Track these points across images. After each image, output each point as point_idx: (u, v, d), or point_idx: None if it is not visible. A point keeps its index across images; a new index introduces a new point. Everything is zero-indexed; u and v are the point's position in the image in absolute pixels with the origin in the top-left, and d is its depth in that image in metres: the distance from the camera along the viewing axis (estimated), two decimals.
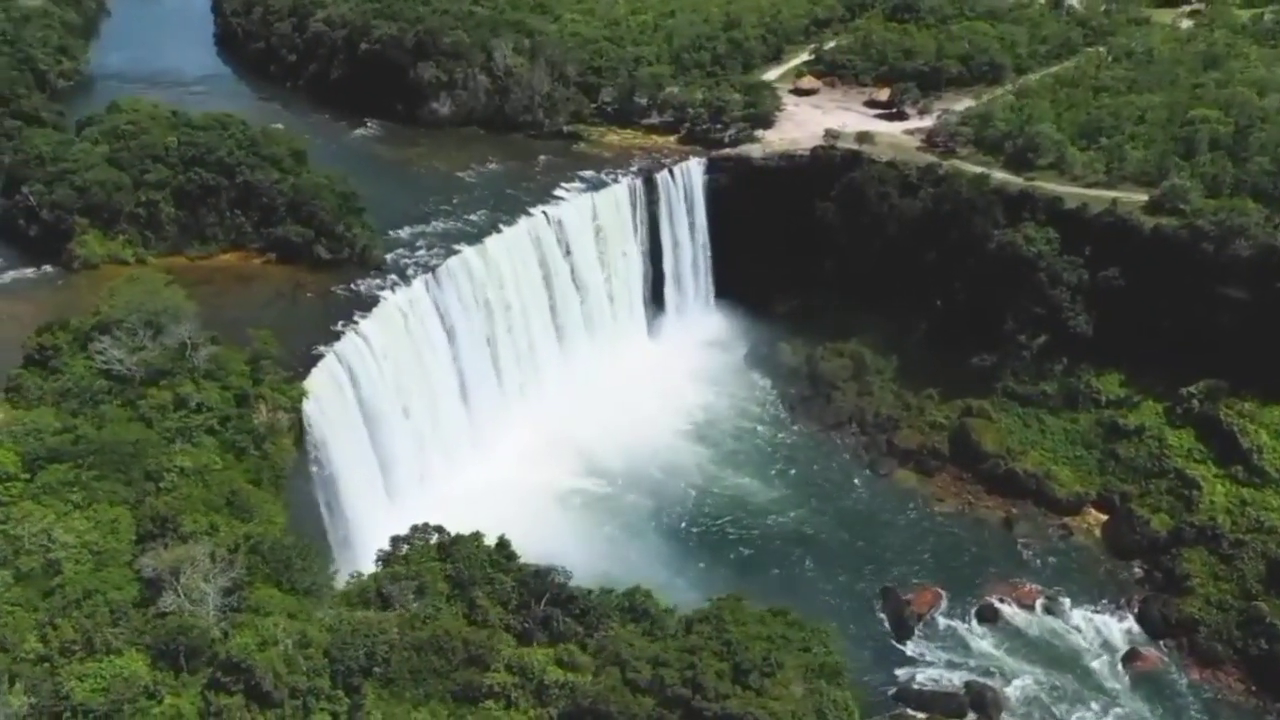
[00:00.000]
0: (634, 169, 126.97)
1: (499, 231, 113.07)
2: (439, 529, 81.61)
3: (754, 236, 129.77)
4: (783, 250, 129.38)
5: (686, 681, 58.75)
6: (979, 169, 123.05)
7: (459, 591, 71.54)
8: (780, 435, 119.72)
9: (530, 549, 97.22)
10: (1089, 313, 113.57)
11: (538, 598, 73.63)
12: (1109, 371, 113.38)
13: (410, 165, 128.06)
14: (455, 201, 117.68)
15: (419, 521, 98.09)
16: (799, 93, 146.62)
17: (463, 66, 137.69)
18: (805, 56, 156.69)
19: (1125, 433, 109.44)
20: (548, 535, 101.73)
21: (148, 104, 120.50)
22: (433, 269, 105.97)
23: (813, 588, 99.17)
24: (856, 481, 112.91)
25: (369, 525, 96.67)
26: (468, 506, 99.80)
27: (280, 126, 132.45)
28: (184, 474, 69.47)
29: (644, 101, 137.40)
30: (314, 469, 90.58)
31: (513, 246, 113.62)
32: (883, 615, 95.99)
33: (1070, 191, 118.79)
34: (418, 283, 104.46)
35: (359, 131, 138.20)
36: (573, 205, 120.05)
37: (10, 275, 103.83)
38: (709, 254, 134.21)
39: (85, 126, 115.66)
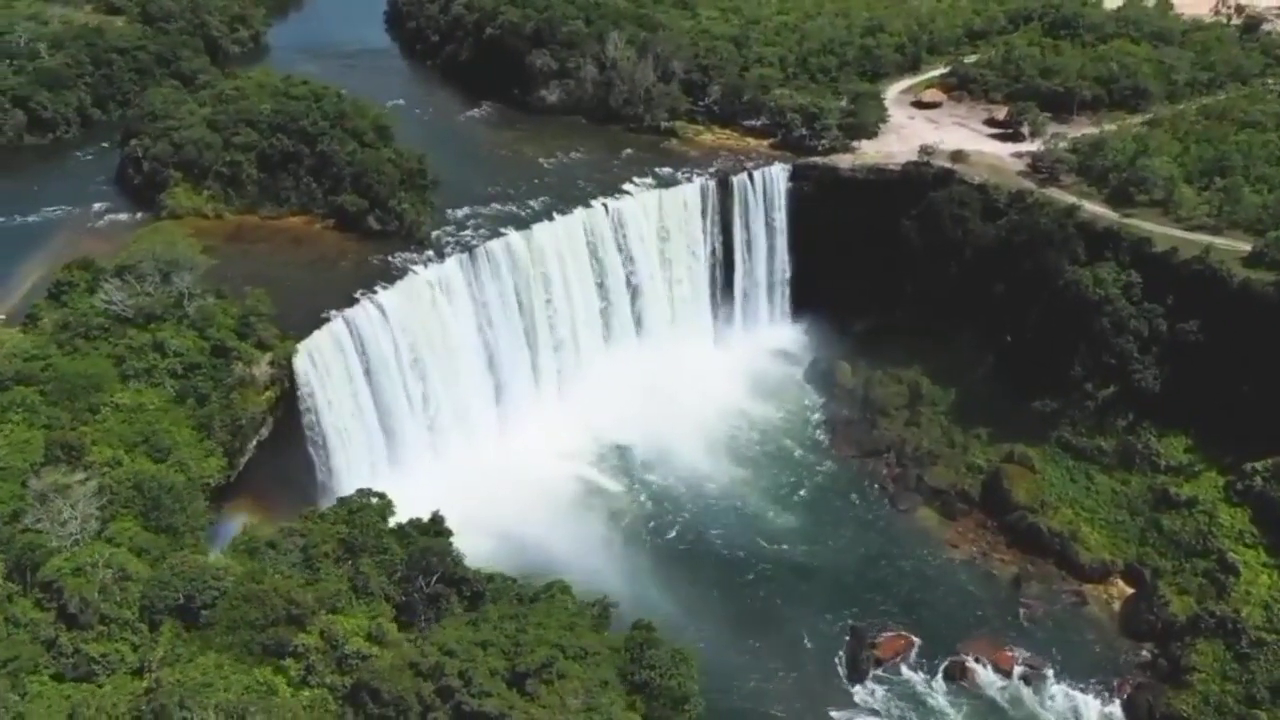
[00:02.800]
0: (711, 170, 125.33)
1: (551, 219, 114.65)
2: (381, 495, 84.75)
3: (837, 249, 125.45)
4: (865, 266, 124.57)
5: (462, 673, 58.92)
6: (1074, 200, 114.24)
7: (349, 555, 74.17)
8: (815, 460, 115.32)
9: (520, 536, 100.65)
10: (1160, 367, 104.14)
11: (426, 574, 75.38)
12: (1174, 434, 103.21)
13: (499, 149, 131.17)
14: (523, 187, 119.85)
15: (423, 493, 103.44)
16: (919, 105, 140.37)
17: (575, 56, 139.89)
18: (943, 69, 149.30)
19: (1175, 503, 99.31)
20: (544, 526, 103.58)
21: (263, 74, 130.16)
22: (470, 249, 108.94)
23: (785, 618, 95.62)
24: (875, 516, 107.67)
25: (362, 483, 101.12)
26: (475, 486, 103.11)
27: (401, 102, 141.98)
28: (117, 409, 75.43)
29: (746, 103, 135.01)
30: (306, 425, 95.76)
31: (562, 236, 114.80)
32: (842, 654, 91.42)
33: (1165, 233, 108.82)
34: (451, 261, 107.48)
35: (473, 112, 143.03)
36: (636, 200, 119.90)
37: (109, 218, 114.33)
38: (789, 263, 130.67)
39: (201, 90, 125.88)
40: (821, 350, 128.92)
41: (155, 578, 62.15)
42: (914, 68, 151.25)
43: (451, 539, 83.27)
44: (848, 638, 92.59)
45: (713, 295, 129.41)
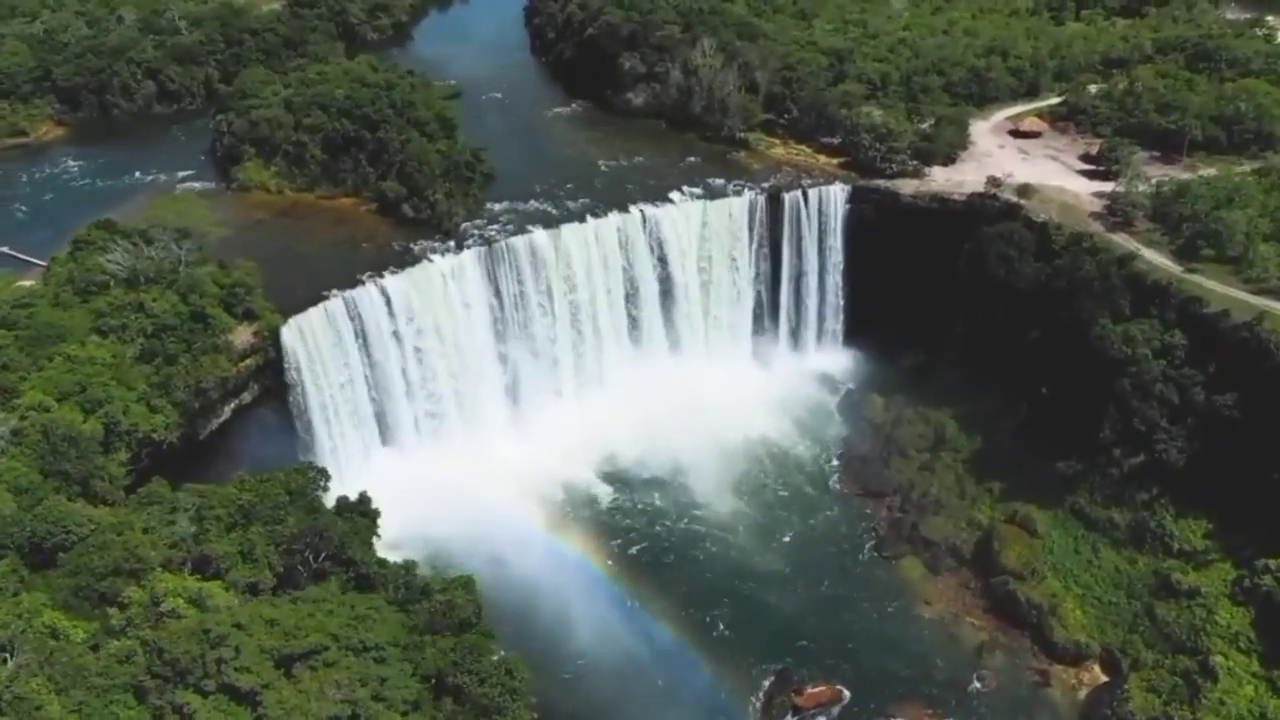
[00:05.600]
0: (764, 184, 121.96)
1: (583, 221, 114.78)
2: (322, 471, 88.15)
3: (894, 278, 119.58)
4: (921, 299, 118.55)
5: (238, 647, 60.64)
6: (1133, 247, 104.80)
7: (246, 522, 77.46)
8: (820, 499, 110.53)
9: (492, 536, 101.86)
10: (1190, 441, 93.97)
11: (314, 551, 77.84)
12: (1195, 516, 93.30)
13: (567, 147, 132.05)
14: (571, 187, 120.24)
15: (415, 478, 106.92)
16: (1016, 134, 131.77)
17: (664, 61, 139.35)
18: (1058, 97, 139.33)
19: (1176, 591, 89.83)
20: (522, 528, 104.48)
21: (365, 61, 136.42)
22: (490, 243, 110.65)
23: (726, 656, 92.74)
24: (858, 563, 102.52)
25: (352, 459, 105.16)
26: (469, 479, 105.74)
27: (498, 95, 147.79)
28: (68, 359, 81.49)
29: (824, 119, 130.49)
30: (290, 395, 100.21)
31: (592, 239, 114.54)
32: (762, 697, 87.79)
33: (1226, 293, 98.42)
34: (469, 253, 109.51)
35: (562, 109, 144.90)
36: (678, 209, 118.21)
37: (187, 185, 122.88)
38: (841, 287, 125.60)
39: (290, 72, 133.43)
40: (867, 380, 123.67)
41: (12, 516, 67.28)
42: (1031, 93, 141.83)
43: (378, 520, 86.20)
44: (769, 680, 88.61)
45: (756, 312, 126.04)
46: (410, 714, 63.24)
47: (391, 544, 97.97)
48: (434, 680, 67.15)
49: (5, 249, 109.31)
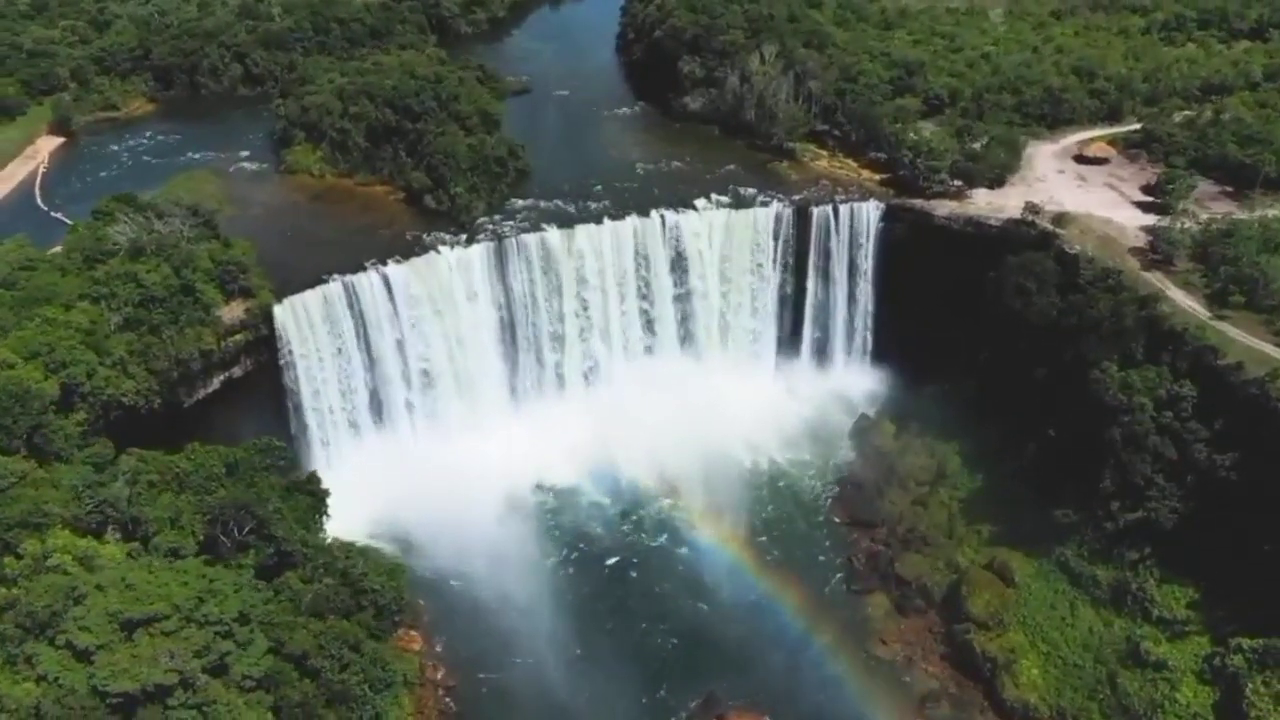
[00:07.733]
0: (794, 197, 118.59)
1: (599, 223, 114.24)
2: (280, 449, 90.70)
3: (926, 301, 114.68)
4: (950, 325, 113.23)
5: (89, 608, 62.82)
6: (1162, 288, 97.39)
7: (178, 488, 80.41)
8: (809, 531, 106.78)
9: (458, 531, 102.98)
10: (1186, 501, 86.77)
11: (238, 524, 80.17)
12: (1181, 582, 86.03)
13: (610, 149, 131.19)
14: (599, 188, 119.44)
15: (405, 462, 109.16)
16: (1081, 160, 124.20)
17: (723, 66, 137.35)
18: (1137, 123, 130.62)
19: (1143, 662, 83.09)
20: (495, 525, 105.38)
21: (432, 53, 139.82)
22: (501, 238, 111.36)
23: (666, 677, 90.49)
24: (826, 595, 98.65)
25: (341, 441, 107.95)
26: (457, 466, 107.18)
27: (565, 92, 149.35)
28: (46, 322, 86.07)
29: (872, 133, 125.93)
30: (285, 373, 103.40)
31: (607, 241, 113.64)
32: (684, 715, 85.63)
33: (1250, 345, 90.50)
34: (478, 247, 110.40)
35: (622, 110, 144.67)
36: (700, 217, 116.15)
37: (241, 165, 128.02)
38: (871, 307, 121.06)
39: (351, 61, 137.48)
40: (886, 405, 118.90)
41: None
42: (1112, 117, 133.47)
43: (325, 500, 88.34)
44: (695, 703, 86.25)
45: (779, 327, 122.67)
46: (255, 690, 64.32)
47: (367, 526, 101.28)
48: (303, 662, 68.14)
49: (59, 215, 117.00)
